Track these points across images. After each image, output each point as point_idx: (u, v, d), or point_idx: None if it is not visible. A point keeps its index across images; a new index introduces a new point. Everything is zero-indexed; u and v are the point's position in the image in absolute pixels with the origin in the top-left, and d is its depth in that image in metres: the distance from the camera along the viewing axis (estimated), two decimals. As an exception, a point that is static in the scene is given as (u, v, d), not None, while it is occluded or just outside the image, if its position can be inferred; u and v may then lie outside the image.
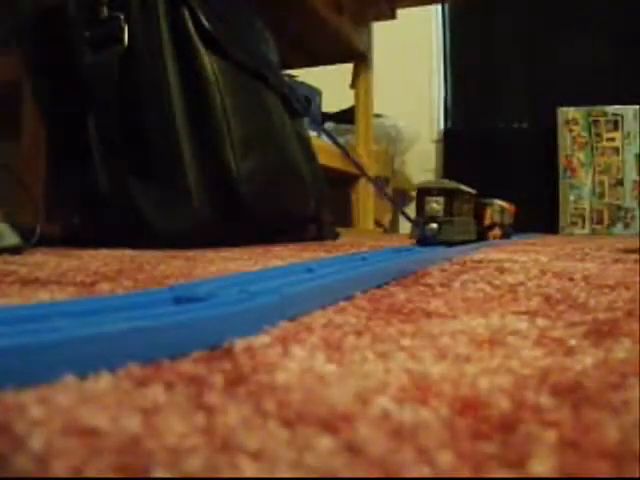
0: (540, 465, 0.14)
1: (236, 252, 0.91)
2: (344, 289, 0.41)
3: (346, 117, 1.56)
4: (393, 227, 2.39)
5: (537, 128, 2.36)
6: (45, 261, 0.69)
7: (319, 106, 1.70)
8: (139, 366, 0.22)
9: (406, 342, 0.28)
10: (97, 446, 0.15)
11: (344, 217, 1.68)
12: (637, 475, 0.14)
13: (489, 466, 0.14)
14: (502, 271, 0.60)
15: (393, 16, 1.28)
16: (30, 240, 0.84)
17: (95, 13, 0.62)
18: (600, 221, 2.18)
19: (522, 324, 0.32)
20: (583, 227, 2.18)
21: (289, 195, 1.03)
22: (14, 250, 0.77)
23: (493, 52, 2.50)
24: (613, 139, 2.19)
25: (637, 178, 2.15)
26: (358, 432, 0.16)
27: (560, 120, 2.25)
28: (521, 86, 2.44)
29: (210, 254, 0.85)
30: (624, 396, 0.19)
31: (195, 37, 0.66)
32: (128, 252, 0.86)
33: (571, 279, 0.53)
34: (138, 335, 0.24)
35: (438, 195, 0.79)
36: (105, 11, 0.62)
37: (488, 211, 1.15)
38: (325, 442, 0.15)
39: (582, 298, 0.42)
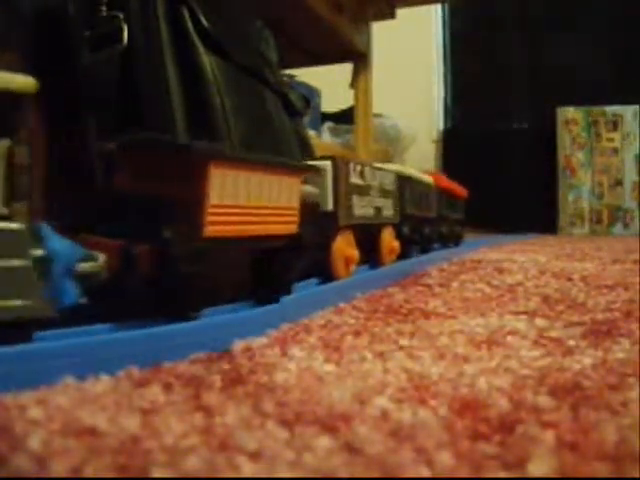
0: (539, 466, 0.14)
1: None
2: (344, 292, 0.41)
3: (346, 117, 1.56)
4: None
5: (537, 128, 2.36)
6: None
7: (318, 106, 1.70)
8: (138, 368, 0.22)
9: (405, 342, 0.28)
10: (96, 446, 0.15)
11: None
12: (636, 476, 0.14)
13: (488, 467, 0.14)
14: (501, 271, 0.60)
15: (393, 16, 1.27)
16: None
17: (94, 12, 0.62)
18: (599, 221, 2.18)
19: (521, 324, 0.32)
20: (582, 227, 2.18)
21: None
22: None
23: (493, 52, 2.50)
24: (612, 139, 2.19)
25: (637, 179, 2.15)
26: (357, 432, 0.16)
27: (560, 120, 2.25)
28: (521, 86, 2.44)
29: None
30: (623, 397, 0.19)
31: (194, 36, 0.66)
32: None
33: (570, 279, 0.53)
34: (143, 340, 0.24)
35: None
36: (104, 10, 0.62)
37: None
38: (324, 442, 0.15)
39: (581, 298, 0.42)
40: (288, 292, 0.35)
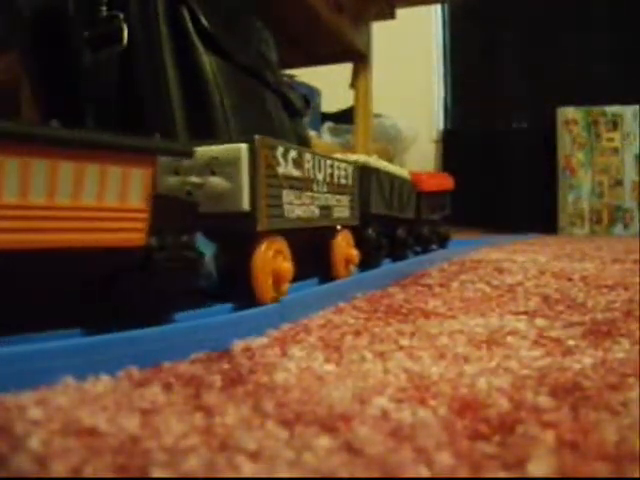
0: (539, 466, 0.14)
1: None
2: (344, 293, 0.41)
3: (346, 117, 1.56)
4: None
5: (537, 128, 2.36)
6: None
7: (319, 106, 1.70)
8: (138, 368, 0.22)
9: (405, 342, 0.28)
10: (96, 446, 0.15)
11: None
12: (636, 476, 0.14)
13: (488, 467, 0.14)
14: (501, 271, 0.60)
15: (393, 16, 1.28)
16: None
17: (94, 12, 0.63)
18: (599, 221, 2.18)
19: (521, 324, 0.32)
20: (582, 227, 2.19)
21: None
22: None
23: (493, 52, 2.50)
24: (612, 139, 2.19)
25: (637, 178, 2.15)
26: (357, 432, 0.16)
27: (560, 120, 2.25)
28: (521, 86, 2.44)
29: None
30: (623, 397, 0.19)
31: (194, 36, 0.66)
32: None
33: (570, 279, 0.53)
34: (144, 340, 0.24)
35: None
36: (104, 10, 0.62)
37: None
38: (324, 442, 0.15)
39: (581, 298, 0.42)
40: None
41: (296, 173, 0.38)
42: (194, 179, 0.32)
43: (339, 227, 0.45)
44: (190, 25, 0.66)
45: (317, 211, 0.41)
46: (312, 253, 0.43)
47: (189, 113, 0.71)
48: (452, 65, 2.60)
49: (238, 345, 0.26)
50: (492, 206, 2.28)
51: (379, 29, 1.30)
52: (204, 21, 0.68)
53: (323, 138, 1.67)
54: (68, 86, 0.76)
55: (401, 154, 1.96)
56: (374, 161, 0.54)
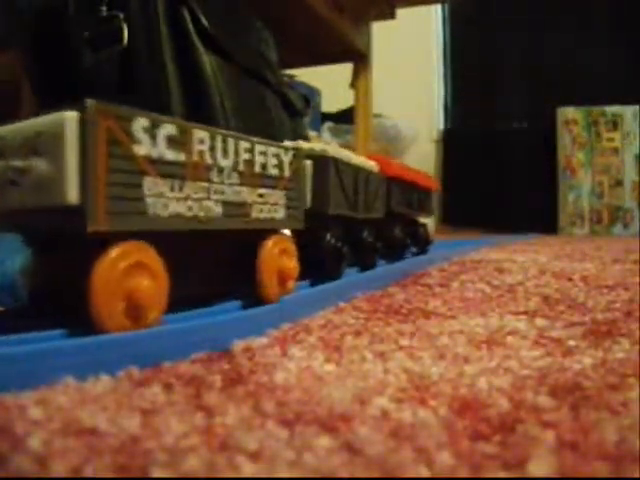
0: (539, 466, 0.14)
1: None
2: (344, 293, 0.41)
3: (346, 117, 1.56)
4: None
5: (537, 128, 2.36)
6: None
7: (319, 106, 1.70)
8: (138, 368, 0.22)
9: (405, 342, 0.28)
10: (96, 446, 0.15)
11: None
12: (636, 476, 0.14)
13: (488, 467, 0.14)
14: (501, 271, 0.60)
15: (393, 16, 1.28)
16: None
17: (94, 12, 0.63)
18: (599, 221, 2.18)
19: (521, 324, 0.32)
20: (582, 227, 2.18)
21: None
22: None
23: (493, 52, 2.50)
24: (612, 139, 2.19)
25: (637, 178, 2.15)
26: (357, 432, 0.16)
27: (560, 120, 2.25)
28: (521, 86, 2.44)
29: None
30: (623, 397, 0.19)
31: (194, 36, 0.66)
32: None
33: (570, 279, 0.53)
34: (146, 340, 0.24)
35: None
36: (104, 10, 0.62)
37: None
38: (324, 442, 0.15)
39: (581, 298, 0.42)
40: None
41: (174, 156, 0.28)
42: (17, 163, 0.24)
43: (286, 231, 0.36)
44: (190, 25, 0.66)
45: (219, 209, 0.30)
46: (235, 266, 0.33)
47: (189, 113, 0.71)
48: (452, 65, 2.60)
49: (238, 345, 0.26)
50: (492, 206, 2.29)
51: (379, 29, 1.30)
52: (204, 21, 0.68)
53: (323, 138, 1.67)
54: (68, 86, 0.76)
55: (401, 154, 1.96)
56: (333, 150, 0.44)
